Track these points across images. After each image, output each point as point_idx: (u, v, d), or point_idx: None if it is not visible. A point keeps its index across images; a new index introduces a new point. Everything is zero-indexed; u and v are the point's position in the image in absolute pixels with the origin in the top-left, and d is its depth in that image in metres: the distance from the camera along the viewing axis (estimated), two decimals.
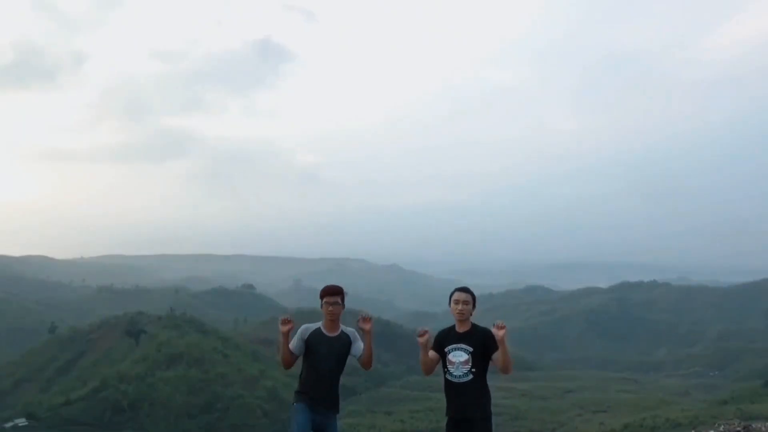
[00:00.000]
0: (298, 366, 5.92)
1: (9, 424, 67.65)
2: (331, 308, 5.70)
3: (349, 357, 5.85)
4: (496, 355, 5.37)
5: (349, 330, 5.85)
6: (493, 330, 5.32)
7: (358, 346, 5.77)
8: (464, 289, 5.64)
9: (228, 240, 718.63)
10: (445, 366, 5.54)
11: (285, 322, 5.65)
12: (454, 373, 5.45)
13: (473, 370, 5.42)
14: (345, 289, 5.90)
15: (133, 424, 70.00)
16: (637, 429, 61.85)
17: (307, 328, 5.78)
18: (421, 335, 5.53)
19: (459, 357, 5.45)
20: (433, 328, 5.78)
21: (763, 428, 10.32)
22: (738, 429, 10.78)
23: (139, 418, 70.95)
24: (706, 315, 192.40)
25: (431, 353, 5.59)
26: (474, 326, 5.56)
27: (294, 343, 5.71)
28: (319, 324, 5.83)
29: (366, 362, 5.75)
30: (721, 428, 11.33)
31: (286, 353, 5.70)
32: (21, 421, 68.33)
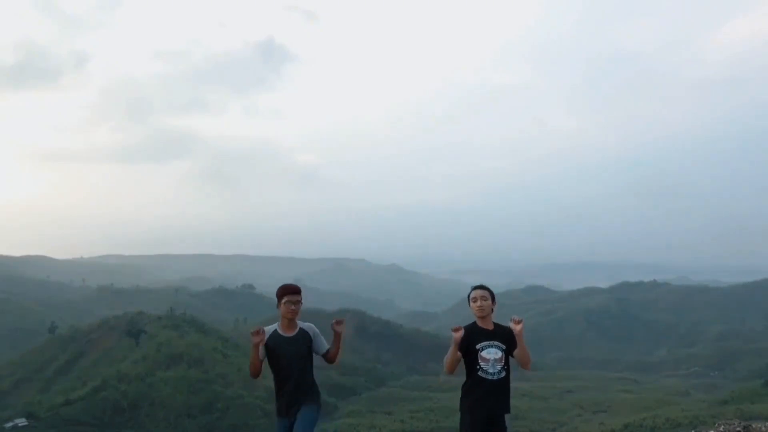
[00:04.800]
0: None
1: (9, 424, 67.63)
2: (293, 307, 5.59)
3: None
4: (517, 352, 5.39)
5: (307, 325, 5.74)
6: (511, 325, 5.35)
7: (320, 342, 5.70)
8: (481, 286, 5.61)
9: (228, 240, 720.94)
10: (476, 363, 5.41)
11: (257, 333, 5.53)
12: (489, 371, 5.37)
13: (506, 367, 5.43)
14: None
15: (133, 424, 69.97)
16: (637, 429, 61.88)
17: (265, 331, 5.63)
18: (456, 330, 5.37)
19: (494, 354, 5.39)
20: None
21: (763, 428, 10.30)
22: (738, 429, 10.75)
23: (139, 418, 70.92)
24: (706, 315, 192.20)
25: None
26: (497, 324, 5.54)
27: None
28: (275, 326, 5.71)
29: (332, 359, 5.71)
30: (721, 428, 11.30)
31: (256, 362, 5.60)
32: (21, 421, 68.31)
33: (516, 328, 5.31)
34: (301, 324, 5.72)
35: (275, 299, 5.77)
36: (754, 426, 10.40)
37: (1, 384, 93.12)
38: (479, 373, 5.38)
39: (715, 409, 66.00)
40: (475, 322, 5.53)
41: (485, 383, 5.37)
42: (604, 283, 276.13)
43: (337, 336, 5.70)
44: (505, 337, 5.44)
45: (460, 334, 5.34)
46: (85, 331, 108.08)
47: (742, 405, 64.17)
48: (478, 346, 5.41)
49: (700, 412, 63.79)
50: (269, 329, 5.68)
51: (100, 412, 70.58)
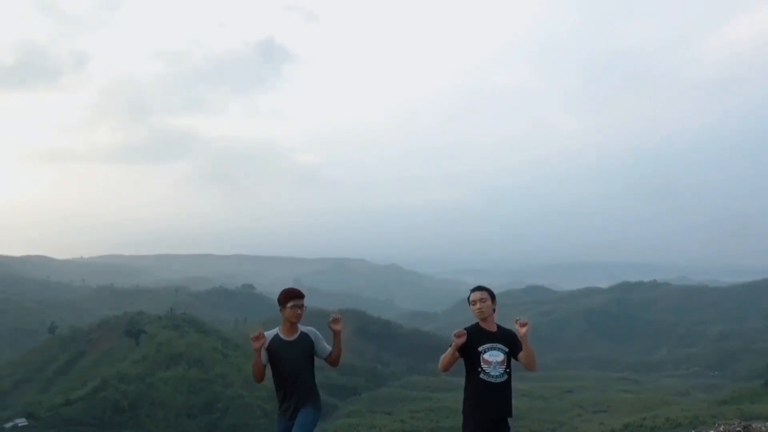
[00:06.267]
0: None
1: (9, 424, 67.61)
2: (299, 311, 5.56)
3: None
4: (522, 354, 5.31)
5: (308, 329, 5.70)
6: (516, 327, 5.27)
7: (323, 346, 5.66)
8: (479, 288, 5.52)
9: (228, 240, 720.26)
10: (478, 366, 5.32)
11: (257, 338, 5.45)
12: (492, 373, 5.28)
13: (508, 370, 5.34)
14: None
15: (133, 424, 69.95)
16: (637, 429, 61.89)
17: (266, 336, 5.58)
18: (460, 335, 5.25)
19: (496, 357, 5.30)
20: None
21: (763, 428, 10.29)
22: (738, 429, 10.75)
23: (139, 418, 70.90)
24: (706, 315, 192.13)
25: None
26: (500, 326, 5.46)
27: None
28: (276, 330, 5.66)
29: (334, 362, 5.68)
30: (721, 428, 11.29)
31: (260, 367, 5.53)
32: (21, 421, 68.27)
33: (521, 330, 5.22)
34: (302, 328, 5.68)
35: (275, 299, 5.75)
36: (754, 426, 10.39)
37: (1, 384, 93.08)
38: (481, 375, 5.28)
39: (715, 409, 65.99)
40: (477, 323, 5.44)
41: (488, 386, 5.27)
42: (604, 283, 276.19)
43: (336, 335, 5.62)
44: (508, 339, 5.36)
45: (462, 340, 5.23)
46: (85, 331, 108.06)
47: (742, 405, 64.17)
48: (480, 348, 5.30)
49: (700, 412, 63.77)
50: (270, 333, 5.63)
51: (100, 412, 70.55)
